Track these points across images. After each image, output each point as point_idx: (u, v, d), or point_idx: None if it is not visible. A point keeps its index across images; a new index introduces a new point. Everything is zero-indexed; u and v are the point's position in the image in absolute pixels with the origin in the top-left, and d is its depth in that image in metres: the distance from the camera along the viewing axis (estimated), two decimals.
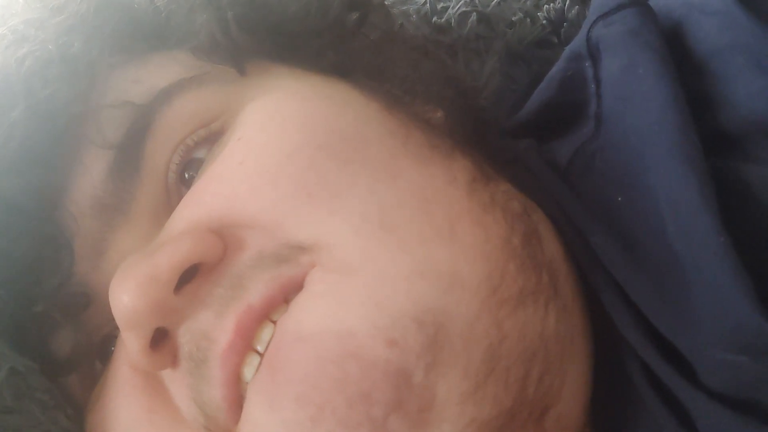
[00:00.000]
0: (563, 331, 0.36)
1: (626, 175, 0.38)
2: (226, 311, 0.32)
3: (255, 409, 0.31)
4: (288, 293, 0.33)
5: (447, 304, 0.32)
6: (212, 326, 0.32)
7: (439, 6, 0.58)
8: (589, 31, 0.43)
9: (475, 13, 0.58)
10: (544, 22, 0.58)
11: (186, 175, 0.38)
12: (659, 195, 0.36)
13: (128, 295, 0.31)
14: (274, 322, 0.32)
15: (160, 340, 0.33)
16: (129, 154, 0.37)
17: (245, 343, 0.32)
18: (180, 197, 0.37)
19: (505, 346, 0.33)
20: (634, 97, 0.39)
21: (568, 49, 0.45)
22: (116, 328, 0.34)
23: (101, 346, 0.38)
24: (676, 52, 0.40)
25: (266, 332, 0.32)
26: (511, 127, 0.49)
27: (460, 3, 0.58)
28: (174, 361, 0.33)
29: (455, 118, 0.45)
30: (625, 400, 0.37)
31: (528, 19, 0.58)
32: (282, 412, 0.30)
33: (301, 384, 0.30)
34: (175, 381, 0.33)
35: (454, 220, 0.35)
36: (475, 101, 0.52)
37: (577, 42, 0.44)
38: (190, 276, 0.33)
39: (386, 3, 0.54)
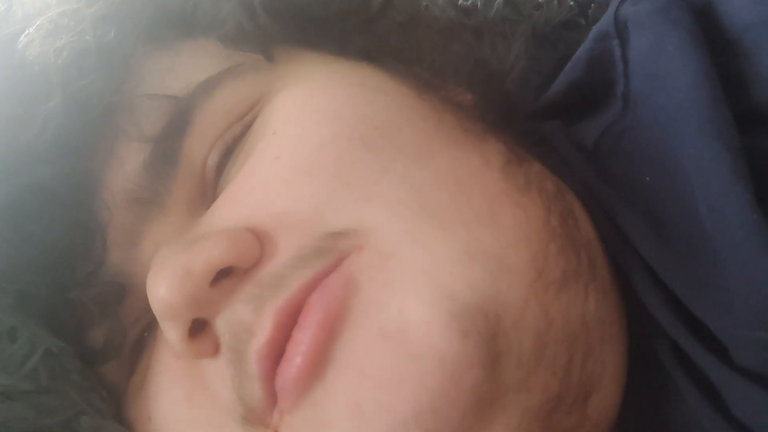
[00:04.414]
0: (603, 314, 0.36)
1: (655, 154, 0.38)
2: (264, 307, 0.32)
3: (333, 412, 0.31)
4: (340, 284, 0.32)
5: (499, 291, 0.32)
6: (251, 320, 0.32)
7: None
8: (616, 10, 0.42)
9: None
10: (571, 3, 0.57)
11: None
12: (690, 173, 0.35)
13: (164, 287, 0.32)
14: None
15: (200, 329, 0.33)
16: (166, 148, 0.37)
17: (285, 339, 0.32)
18: (214, 188, 0.38)
19: (551, 331, 0.33)
20: (664, 75, 0.38)
21: (595, 29, 0.44)
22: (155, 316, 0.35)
23: (140, 335, 0.38)
24: (707, 29, 0.39)
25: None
26: (537, 109, 0.49)
27: None
28: (215, 349, 0.33)
29: (485, 101, 0.45)
30: (654, 381, 0.37)
31: (555, 1, 0.57)
32: (363, 421, 0.30)
33: (385, 392, 0.30)
34: (215, 370, 0.34)
35: (492, 201, 0.34)
36: (501, 84, 0.52)
37: (605, 21, 0.43)
38: (227, 271, 0.33)
39: None
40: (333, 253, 0.33)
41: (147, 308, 0.34)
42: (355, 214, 0.33)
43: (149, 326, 0.38)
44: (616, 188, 0.39)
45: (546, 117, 0.47)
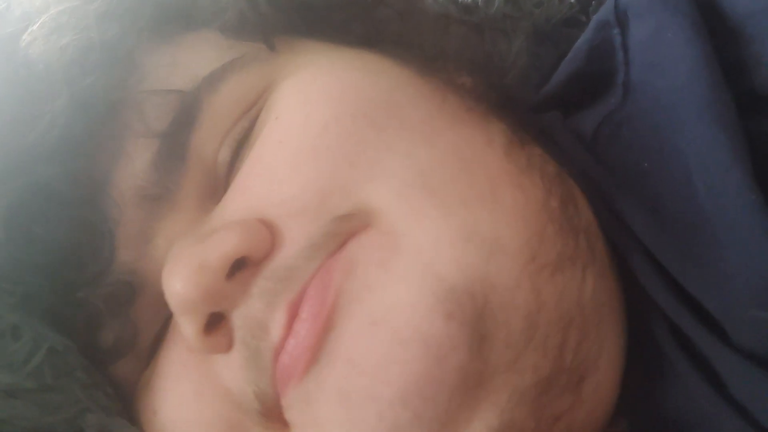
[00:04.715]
0: (600, 298, 0.35)
1: (654, 140, 0.38)
2: (277, 302, 0.32)
3: (323, 404, 0.31)
4: (339, 268, 0.32)
5: (490, 273, 0.32)
6: (266, 316, 0.32)
7: None
8: None
9: None
10: (572, 0, 0.57)
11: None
12: (689, 156, 0.35)
13: (181, 282, 0.32)
14: None
15: (215, 323, 0.33)
16: (174, 143, 0.36)
17: None
18: (226, 181, 0.37)
19: (543, 313, 0.33)
20: (664, 62, 0.38)
21: (595, 19, 0.44)
22: (168, 312, 0.35)
23: (160, 331, 0.38)
24: (710, 17, 0.39)
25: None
26: (536, 102, 0.49)
27: None
28: (229, 344, 0.33)
29: (486, 85, 0.45)
30: (653, 365, 0.37)
31: None
32: (353, 409, 0.30)
33: (373, 378, 0.30)
34: (227, 365, 0.34)
35: (494, 181, 0.35)
36: (501, 81, 0.52)
37: (605, 10, 0.43)
38: (241, 263, 0.33)
39: None
40: (341, 237, 0.33)
41: (162, 305, 0.34)
42: (362, 195, 0.33)
43: (163, 324, 0.37)
44: (613, 175, 0.39)
45: (544, 109, 0.47)
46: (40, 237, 0.34)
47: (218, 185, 0.38)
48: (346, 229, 0.33)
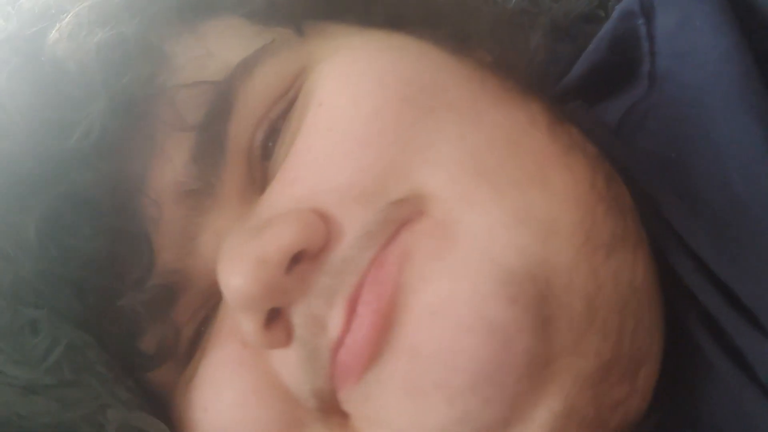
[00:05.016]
0: (651, 280, 0.35)
1: (682, 130, 0.37)
2: (335, 298, 0.31)
3: (387, 397, 0.31)
4: (393, 260, 0.32)
5: (549, 255, 0.31)
6: (324, 313, 0.31)
7: None
8: None
9: None
10: None
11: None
12: (721, 145, 0.35)
13: (241, 278, 0.31)
14: None
15: (273, 318, 0.32)
16: (212, 135, 0.35)
17: None
18: (262, 170, 0.37)
19: (601, 295, 0.32)
20: (692, 51, 0.38)
21: (618, 8, 0.44)
22: (212, 310, 0.35)
23: (198, 329, 0.37)
24: (739, 9, 0.39)
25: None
26: (556, 94, 0.48)
27: None
28: (288, 339, 0.32)
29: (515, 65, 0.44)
30: (682, 353, 0.36)
31: None
32: (421, 399, 0.30)
33: (440, 368, 0.30)
34: (284, 361, 0.33)
35: (541, 162, 0.34)
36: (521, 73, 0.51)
37: (628, 0, 0.43)
38: (298, 256, 0.32)
39: None
40: (394, 224, 0.32)
41: (204, 302, 0.34)
42: (416, 179, 0.33)
43: (207, 319, 0.37)
44: (641, 163, 0.38)
45: (565, 101, 0.46)
46: (76, 249, 0.33)
47: (257, 173, 0.37)
48: (400, 216, 0.32)
